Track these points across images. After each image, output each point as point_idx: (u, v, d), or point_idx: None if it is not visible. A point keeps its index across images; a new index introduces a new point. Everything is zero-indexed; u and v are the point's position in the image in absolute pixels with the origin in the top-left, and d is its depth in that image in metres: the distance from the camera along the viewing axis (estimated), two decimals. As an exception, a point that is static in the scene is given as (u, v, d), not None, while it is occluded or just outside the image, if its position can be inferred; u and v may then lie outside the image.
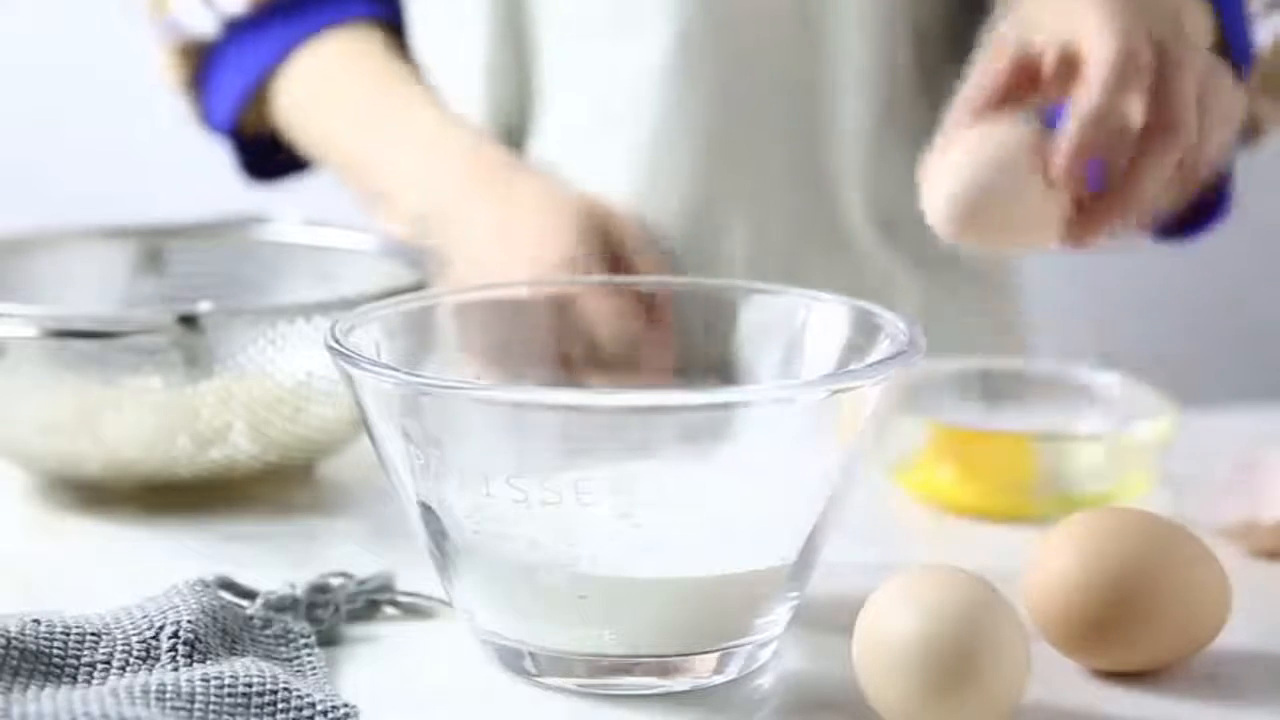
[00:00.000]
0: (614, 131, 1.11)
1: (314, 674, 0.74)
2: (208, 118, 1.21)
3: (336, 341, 0.73)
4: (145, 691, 0.68)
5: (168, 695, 0.68)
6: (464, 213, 1.07)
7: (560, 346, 0.84)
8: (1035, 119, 0.88)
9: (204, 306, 0.88)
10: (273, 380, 0.90)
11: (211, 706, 0.68)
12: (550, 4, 1.12)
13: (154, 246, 1.03)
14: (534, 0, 1.12)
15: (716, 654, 0.73)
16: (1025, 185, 0.85)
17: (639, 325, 0.91)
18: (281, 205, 1.06)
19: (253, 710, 0.69)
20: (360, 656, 0.76)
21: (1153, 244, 1.14)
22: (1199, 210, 1.08)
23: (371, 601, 0.80)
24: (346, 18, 1.16)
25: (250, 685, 0.69)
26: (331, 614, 0.78)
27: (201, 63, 1.19)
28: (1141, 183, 0.86)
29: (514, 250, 1.04)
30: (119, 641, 0.73)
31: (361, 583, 0.80)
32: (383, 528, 0.89)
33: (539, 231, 1.04)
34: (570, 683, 0.73)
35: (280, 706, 0.69)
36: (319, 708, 0.69)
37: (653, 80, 1.10)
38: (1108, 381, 0.98)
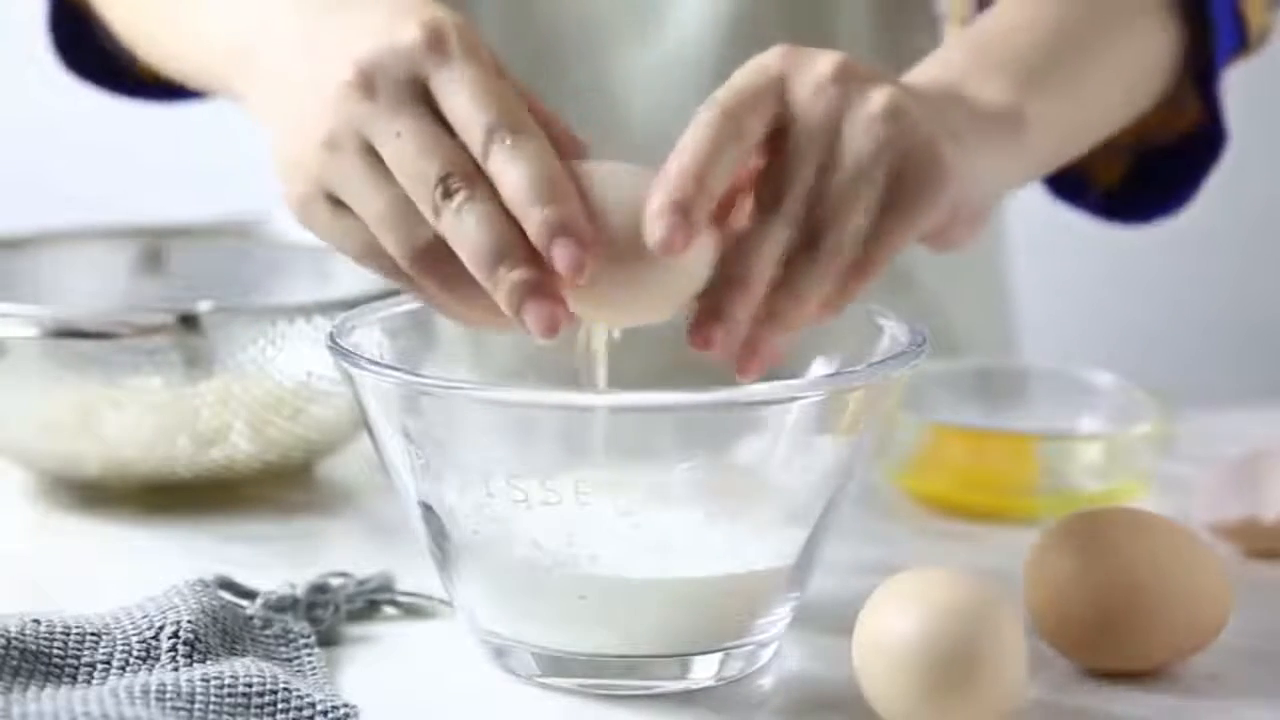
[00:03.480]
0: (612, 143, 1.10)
1: (314, 674, 0.74)
2: None
3: (336, 342, 0.73)
4: (145, 691, 0.68)
5: (168, 695, 0.68)
6: (274, 31, 0.80)
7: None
8: None
9: (204, 306, 0.88)
10: (273, 380, 0.90)
11: (211, 706, 0.68)
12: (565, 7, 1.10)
13: (154, 246, 1.03)
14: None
15: (717, 654, 0.73)
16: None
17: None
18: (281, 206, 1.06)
19: (253, 710, 0.69)
20: (360, 656, 0.76)
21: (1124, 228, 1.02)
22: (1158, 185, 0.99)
23: (371, 601, 0.80)
24: None
25: (250, 685, 0.69)
26: (331, 614, 0.78)
27: None
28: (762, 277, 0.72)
29: (319, 52, 0.75)
30: (119, 641, 0.73)
31: (361, 583, 0.80)
32: (383, 528, 0.89)
33: (350, 27, 0.75)
34: (570, 683, 0.73)
35: (280, 706, 0.69)
36: (319, 708, 0.69)
37: (667, 84, 1.09)
38: (1107, 381, 0.98)
